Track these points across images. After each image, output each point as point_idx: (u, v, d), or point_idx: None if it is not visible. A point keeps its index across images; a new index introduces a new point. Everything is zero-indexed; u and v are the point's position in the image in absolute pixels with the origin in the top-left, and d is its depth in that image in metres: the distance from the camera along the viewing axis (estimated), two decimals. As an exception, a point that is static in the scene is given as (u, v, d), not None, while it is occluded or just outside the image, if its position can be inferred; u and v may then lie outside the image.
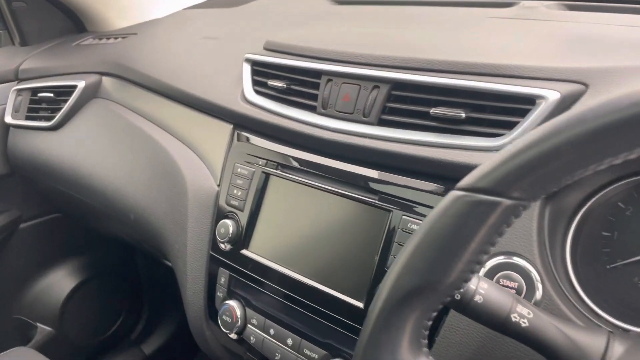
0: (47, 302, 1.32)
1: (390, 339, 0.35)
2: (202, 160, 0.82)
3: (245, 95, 0.76)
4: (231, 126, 0.79)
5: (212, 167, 0.80)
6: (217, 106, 0.81)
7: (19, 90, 1.12)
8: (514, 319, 0.43)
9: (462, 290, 0.36)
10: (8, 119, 1.11)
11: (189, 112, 0.88)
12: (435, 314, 0.36)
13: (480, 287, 0.42)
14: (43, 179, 1.13)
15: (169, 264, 1.07)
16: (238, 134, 0.77)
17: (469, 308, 0.41)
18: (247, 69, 0.78)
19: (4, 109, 1.12)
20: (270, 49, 0.77)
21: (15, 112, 1.12)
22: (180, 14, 1.24)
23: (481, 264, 0.34)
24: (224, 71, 0.85)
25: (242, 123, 0.77)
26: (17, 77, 1.15)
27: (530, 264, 0.50)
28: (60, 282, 1.33)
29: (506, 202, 0.32)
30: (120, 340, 1.46)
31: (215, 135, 0.81)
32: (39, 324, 1.30)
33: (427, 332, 0.36)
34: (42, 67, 1.13)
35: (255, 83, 0.77)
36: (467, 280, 0.34)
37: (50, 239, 1.31)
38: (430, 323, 0.36)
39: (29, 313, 1.31)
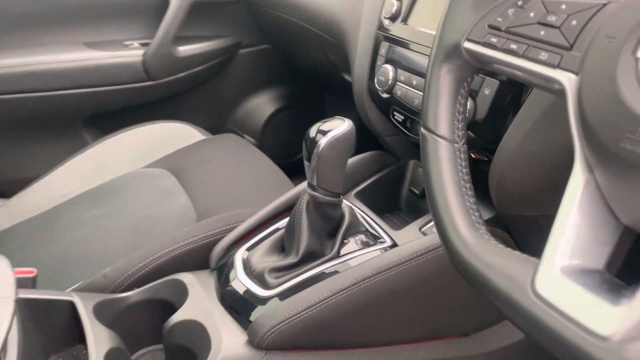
0: (253, 119, 1.64)
1: None
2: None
3: None
4: None
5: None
6: None
7: None
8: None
9: None
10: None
11: None
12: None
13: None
14: (263, 5, 1.39)
15: (348, 78, 1.26)
16: None
17: None
18: None
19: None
20: None
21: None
22: None
23: None
24: None
25: None
26: None
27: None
28: (264, 105, 1.63)
29: None
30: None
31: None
32: (246, 136, 1.63)
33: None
34: None
35: None
36: None
37: (260, 66, 1.60)
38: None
39: (240, 126, 1.64)
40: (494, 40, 0.44)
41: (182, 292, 0.79)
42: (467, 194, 0.45)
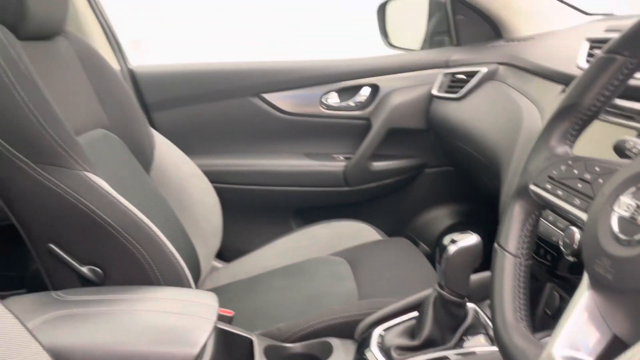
0: (430, 230, 1.83)
1: (548, 135, 0.64)
2: (539, 112, 1.13)
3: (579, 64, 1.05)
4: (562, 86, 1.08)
5: (544, 115, 1.11)
6: (558, 73, 1.11)
7: (445, 74, 1.66)
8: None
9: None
10: (434, 91, 1.67)
11: (548, 84, 1.19)
12: (578, 126, 0.62)
13: None
14: (446, 135, 1.63)
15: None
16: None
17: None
18: (585, 46, 1.05)
19: (432, 85, 1.68)
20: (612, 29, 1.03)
21: (439, 87, 1.66)
22: (577, 27, 1.53)
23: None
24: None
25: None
26: (447, 65, 1.69)
27: None
28: (441, 218, 1.83)
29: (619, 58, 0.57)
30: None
31: (551, 93, 1.11)
32: (421, 243, 1.83)
33: (573, 137, 0.62)
34: (463, 59, 1.63)
35: (589, 55, 1.04)
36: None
37: (441, 185, 1.81)
38: (575, 133, 0.62)
39: (417, 233, 1.85)
40: (548, 186, 0.60)
41: (328, 352, 1.01)
42: (519, 297, 0.60)
